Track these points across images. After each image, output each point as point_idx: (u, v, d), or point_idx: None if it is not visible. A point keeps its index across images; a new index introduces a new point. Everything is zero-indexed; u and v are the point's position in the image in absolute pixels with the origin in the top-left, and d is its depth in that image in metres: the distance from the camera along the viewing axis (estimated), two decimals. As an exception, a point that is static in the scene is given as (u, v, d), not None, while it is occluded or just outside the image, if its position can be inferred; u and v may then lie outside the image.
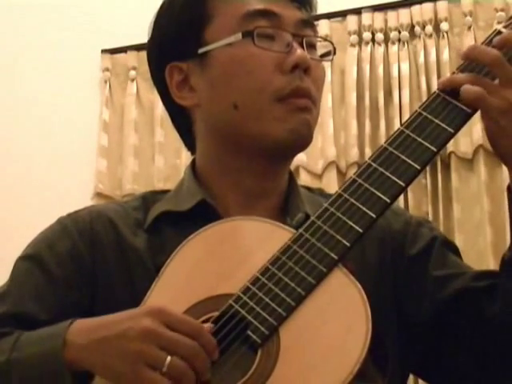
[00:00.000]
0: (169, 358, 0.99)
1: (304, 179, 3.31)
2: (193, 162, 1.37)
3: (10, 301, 1.21)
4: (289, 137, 1.25)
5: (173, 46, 1.32)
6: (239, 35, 1.25)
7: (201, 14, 1.30)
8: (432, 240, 1.31)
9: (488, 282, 1.23)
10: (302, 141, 1.27)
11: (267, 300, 1.06)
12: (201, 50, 1.29)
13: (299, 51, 1.25)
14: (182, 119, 1.36)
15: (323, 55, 1.34)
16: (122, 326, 1.03)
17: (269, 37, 1.26)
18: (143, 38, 1.39)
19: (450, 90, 1.14)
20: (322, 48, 1.35)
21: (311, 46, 1.30)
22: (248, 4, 1.27)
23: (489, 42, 1.16)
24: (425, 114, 1.14)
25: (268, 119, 1.25)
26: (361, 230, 1.09)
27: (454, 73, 1.17)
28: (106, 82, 3.74)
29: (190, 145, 1.38)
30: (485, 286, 1.23)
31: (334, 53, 1.35)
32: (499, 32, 1.16)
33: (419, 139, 1.13)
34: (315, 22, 1.34)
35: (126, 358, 1.01)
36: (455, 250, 1.34)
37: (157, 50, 1.36)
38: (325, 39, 1.40)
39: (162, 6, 1.37)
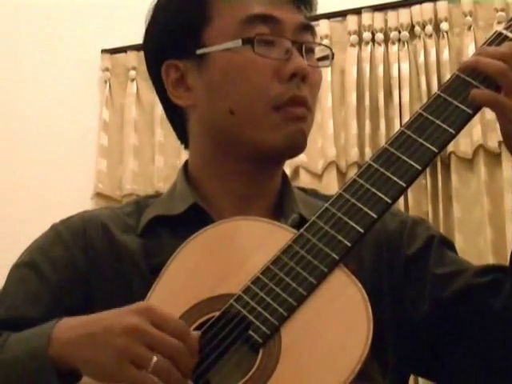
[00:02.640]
0: (155, 358, 0.98)
1: (304, 179, 3.30)
2: (185, 165, 1.36)
3: (4, 307, 1.21)
4: (283, 145, 1.25)
5: (170, 44, 1.31)
6: (239, 41, 1.25)
7: (200, 14, 1.29)
8: (429, 239, 1.31)
9: (491, 276, 1.23)
10: (297, 149, 1.28)
11: (268, 300, 1.06)
12: (199, 52, 1.28)
13: (298, 60, 1.25)
14: (177, 117, 1.35)
15: (321, 58, 1.34)
16: (108, 322, 1.02)
17: (268, 42, 1.26)
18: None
19: (456, 87, 1.14)
20: (320, 51, 1.34)
21: (310, 51, 1.30)
22: (248, 8, 1.27)
23: (489, 43, 1.16)
24: (426, 114, 1.14)
25: (264, 127, 1.25)
26: (362, 230, 1.09)
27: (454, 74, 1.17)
28: (105, 81, 3.74)
29: (186, 143, 1.37)
30: (488, 281, 1.23)
31: (332, 57, 1.35)
32: (499, 34, 1.16)
33: (420, 140, 1.13)
34: (315, 22, 1.34)
35: (110, 352, 1.00)
36: (452, 247, 1.34)
37: (154, 47, 1.35)
38: (324, 45, 1.40)
39: (159, 2, 1.35)
